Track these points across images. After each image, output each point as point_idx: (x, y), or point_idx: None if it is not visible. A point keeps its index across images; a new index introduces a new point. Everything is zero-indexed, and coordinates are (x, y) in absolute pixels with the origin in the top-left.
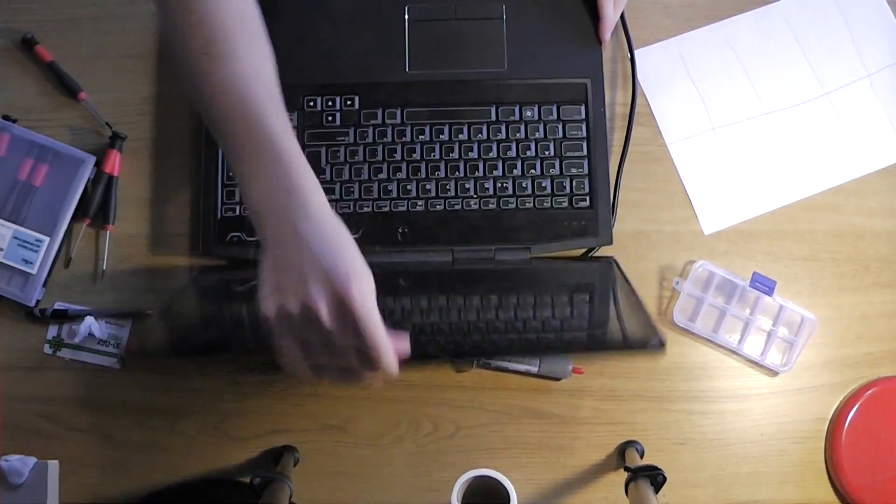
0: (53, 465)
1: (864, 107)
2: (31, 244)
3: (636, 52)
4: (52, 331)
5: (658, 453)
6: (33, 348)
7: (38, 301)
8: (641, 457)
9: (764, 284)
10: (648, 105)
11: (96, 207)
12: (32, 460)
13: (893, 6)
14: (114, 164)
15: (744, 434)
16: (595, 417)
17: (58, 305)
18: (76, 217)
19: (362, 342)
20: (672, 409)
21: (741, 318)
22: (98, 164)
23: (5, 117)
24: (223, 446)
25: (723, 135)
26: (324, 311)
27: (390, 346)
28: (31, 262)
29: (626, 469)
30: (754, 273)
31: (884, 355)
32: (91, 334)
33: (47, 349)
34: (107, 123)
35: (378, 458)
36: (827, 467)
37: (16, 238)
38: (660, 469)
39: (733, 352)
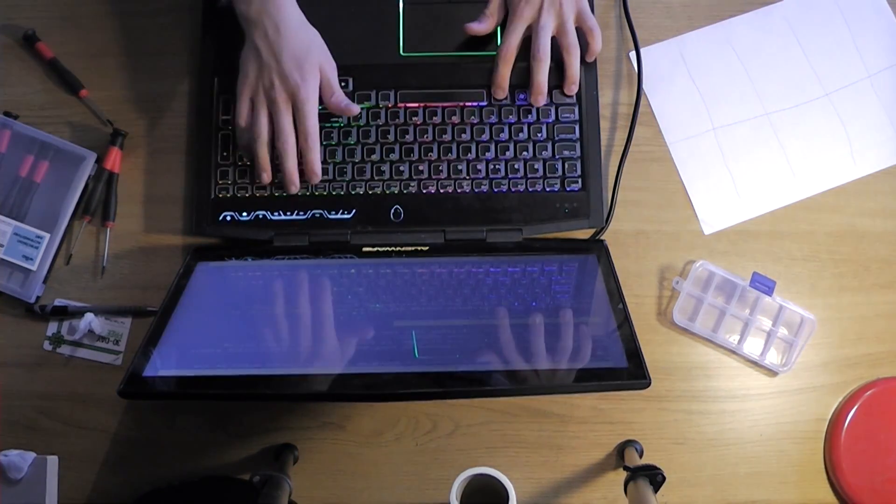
0: (52, 461)
1: (865, 107)
2: (32, 241)
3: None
4: (52, 327)
5: (657, 453)
6: (33, 344)
7: (38, 297)
8: (640, 456)
9: (764, 284)
10: (649, 105)
11: (97, 204)
12: (32, 455)
13: (894, 6)
14: (115, 160)
15: (743, 434)
16: (594, 417)
17: (58, 302)
18: (77, 214)
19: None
20: (671, 409)
21: (741, 318)
22: (99, 161)
23: (6, 114)
24: (222, 444)
25: (723, 135)
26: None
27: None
28: (32, 259)
29: (626, 468)
30: (754, 273)
31: (883, 356)
32: (91, 331)
33: (47, 345)
34: (108, 120)
35: (377, 456)
36: (826, 468)
37: (16, 234)
38: (659, 469)
39: (733, 352)
